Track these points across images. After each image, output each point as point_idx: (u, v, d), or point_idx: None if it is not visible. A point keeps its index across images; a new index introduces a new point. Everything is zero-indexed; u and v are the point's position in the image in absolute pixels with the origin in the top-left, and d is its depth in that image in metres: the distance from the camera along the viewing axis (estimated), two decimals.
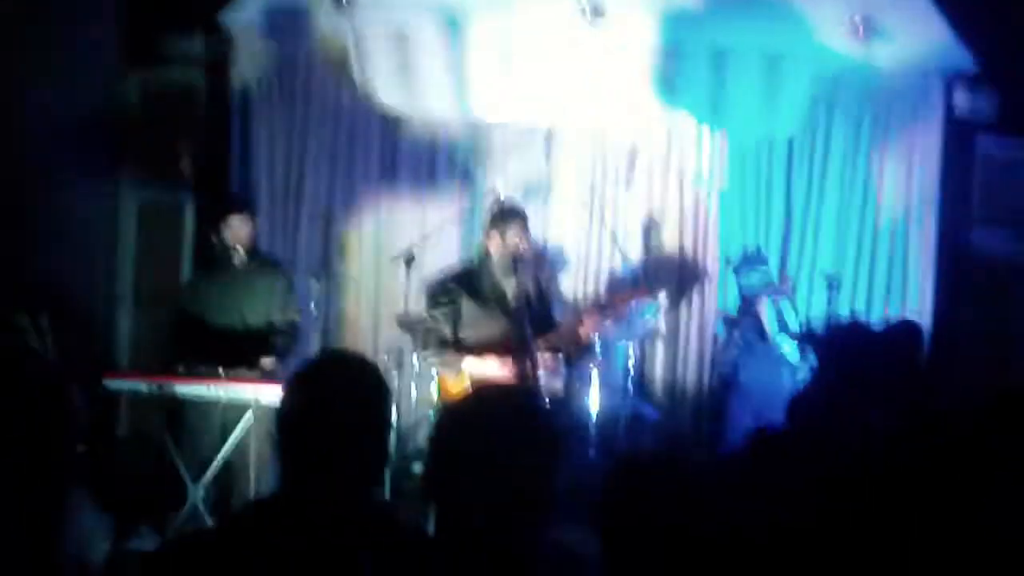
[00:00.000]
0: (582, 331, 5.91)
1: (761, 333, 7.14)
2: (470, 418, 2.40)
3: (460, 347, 5.77)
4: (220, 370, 6.02)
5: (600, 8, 7.43)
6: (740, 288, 7.52)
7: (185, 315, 6.52)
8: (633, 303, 6.64)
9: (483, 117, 8.20)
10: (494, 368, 5.66)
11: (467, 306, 5.79)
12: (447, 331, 5.78)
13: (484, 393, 2.60)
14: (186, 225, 7.96)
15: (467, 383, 5.63)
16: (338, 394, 2.41)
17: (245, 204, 6.88)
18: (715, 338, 8.05)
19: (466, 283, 5.87)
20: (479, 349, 5.74)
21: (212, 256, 6.64)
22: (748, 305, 7.31)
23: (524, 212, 6.12)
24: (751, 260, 7.56)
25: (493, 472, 2.27)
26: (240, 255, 6.43)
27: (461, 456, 2.31)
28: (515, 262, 5.76)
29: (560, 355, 5.99)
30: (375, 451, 2.45)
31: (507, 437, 2.31)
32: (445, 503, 2.33)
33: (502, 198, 7.56)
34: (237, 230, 6.43)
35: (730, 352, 7.35)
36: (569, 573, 3.44)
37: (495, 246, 5.85)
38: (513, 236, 5.80)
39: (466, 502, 2.28)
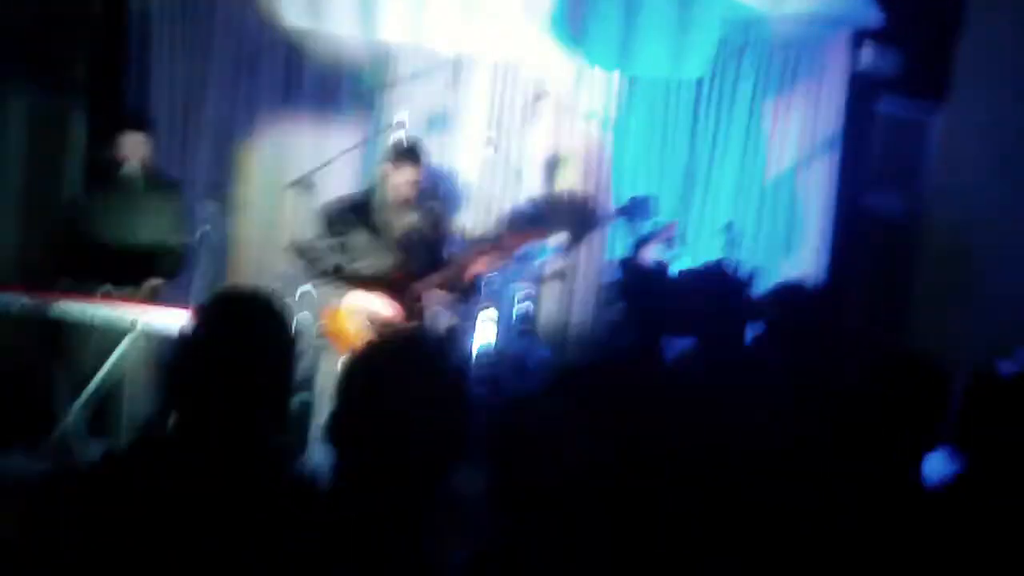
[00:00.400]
0: (471, 269, 5.95)
1: (650, 280, 7.24)
2: (379, 366, 2.42)
3: (348, 278, 5.82)
4: (105, 288, 6.01)
5: None
6: (631, 234, 7.71)
7: (71, 230, 6.45)
8: (527, 243, 6.68)
9: (389, 41, 8.16)
10: (379, 302, 5.74)
11: (358, 237, 5.84)
12: (336, 261, 5.84)
13: (393, 340, 2.71)
14: (77, 134, 7.76)
15: (352, 315, 5.72)
16: (241, 331, 2.42)
17: (140, 121, 6.75)
18: (608, 284, 8.17)
19: (359, 214, 5.91)
20: (367, 282, 5.80)
21: (103, 170, 6.54)
22: (639, 252, 7.44)
23: (420, 152, 6.17)
24: (638, 207, 7.71)
25: (400, 421, 2.30)
26: (133, 172, 6.38)
27: (369, 405, 2.33)
28: (408, 199, 5.86)
29: (450, 292, 6.03)
30: (275, 392, 2.46)
31: (416, 386, 2.35)
32: (350, 450, 2.35)
33: (403, 133, 7.55)
34: (131, 147, 6.39)
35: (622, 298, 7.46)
36: (455, 512, 3.51)
37: (390, 182, 5.90)
38: (408, 175, 5.88)
39: (372, 450, 2.31)
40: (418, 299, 5.78)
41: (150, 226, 6.46)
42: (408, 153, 6.07)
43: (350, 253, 5.85)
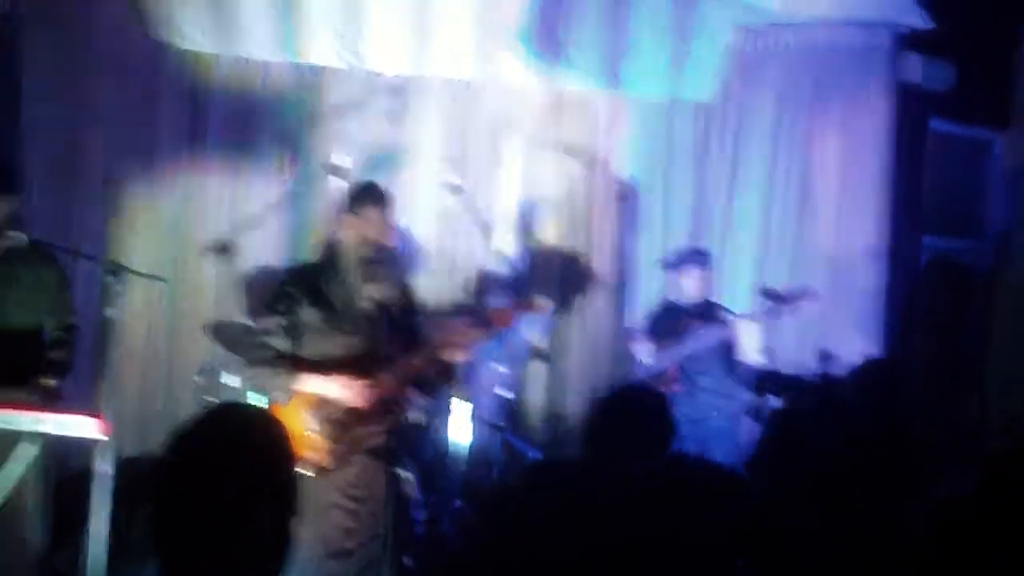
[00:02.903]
0: (449, 355, 5.89)
1: (707, 358, 7.44)
2: (200, 443, 2.62)
3: (298, 366, 5.75)
4: None
5: None
6: (673, 295, 7.84)
7: None
8: (516, 319, 6.67)
9: (317, 63, 8.40)
10: (340, 391, 5.68)
11: (309, 314, 5.79)
12: (282, 346, 5.77)
13: (217, 413, 2.78)
14: None
15: (304, 412, 5.66)
16: (235, 463, 2.57)
17: None
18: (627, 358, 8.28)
19: (308, 285, 5.85)
20: (321, 369, 5.73)
21: None
22: (682, 318, 7.56)
23: (388, 193, 6.14)
24: (692, 258, 7.77)
25: (224, 508, 2.51)
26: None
27: (189, 489, 2.54)
28: (374, 258, 5.83)
29: (419, 383, 6.07)
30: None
31: (241, 463, 2.57)
32: (171, 547, 2.54)
33: (341, 164, 7.77)
34: None
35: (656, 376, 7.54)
36: None
37: (349, 237, 5.87)
38: (374, 224, 5.86)
39: (194, 545, 2.52)
40: (386, 390, 5.71)
41: (24, 307, 6.49)
42: (370, 193, 6.05)
43: (298, 336, 5.77)
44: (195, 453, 2.59)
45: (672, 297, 7.86)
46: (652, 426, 4.33)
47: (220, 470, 2.55)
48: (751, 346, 7.38)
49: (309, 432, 5.63)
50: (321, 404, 5.69)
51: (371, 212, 5.89)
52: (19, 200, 6.53)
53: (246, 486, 2.55)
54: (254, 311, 6.87)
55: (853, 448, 4.88)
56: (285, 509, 2.62)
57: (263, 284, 7.97)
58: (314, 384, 5.69)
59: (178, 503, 2.54)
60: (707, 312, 7.53)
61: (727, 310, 7.68)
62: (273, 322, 5.80)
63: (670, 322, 7.63)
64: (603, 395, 5.26)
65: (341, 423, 5.69)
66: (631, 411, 4.42)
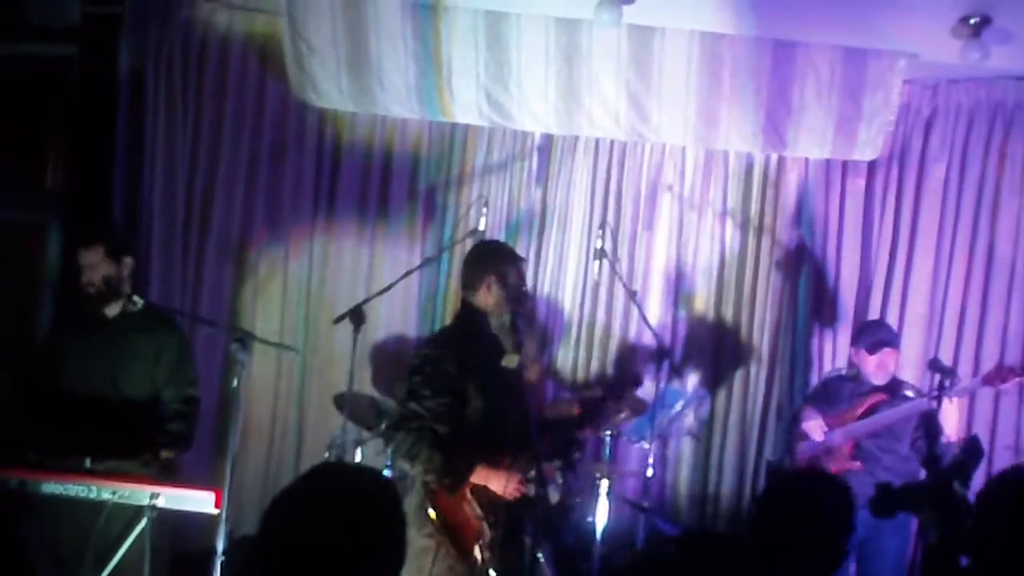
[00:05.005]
0: (586, 432, 5.84)
1: (892, 436, 7.28)
2: (304, 504, 2.70)
3: (463, 452, 5.59)
4: (87, 462, 6.29)
5: None
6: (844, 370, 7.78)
7: (39, 381, 6.65)
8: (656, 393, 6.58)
9: (459, 121, 8.53)
10: (501, 485, 5.60)
11: (474, 391, 5.65)
12: (442, 429, 5.58)
13: (318, 473, 2.85)
14: (50, 253, 8.17)
15: (469, 498, 5.58)
16: (337, 525, 2.63)
17: (102, 234, 6.78)
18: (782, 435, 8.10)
19: (466, 356, 5.68)
20: (485, 453, 5.62)
21: (75, 301, 6.75)
22: (859, 393, 7.39)
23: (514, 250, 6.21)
24: (891, 339, 7.54)
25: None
26: (114, 302, 6.61)
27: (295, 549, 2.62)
28: (515, 321, 5.71)
29: (561, 457, 6.02)
30: None
31: (346, 524, 2.65)
32: None
33: (479, 228, 7.71)
34: (91, 269, 6.54)
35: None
36: None
37: (490, 298, 5.80)
38: (514, 280, 5.80)
39: None
40: (529, 467, 5.57)
41: (141, 375, 6.66)
42: (502, 249, 6.13)
43: (462, 418, 5.61)
44: (292, 519, 2.66)
45: (845, 372, 7.75)
46: (830, 519, 4.18)
47: (318, 538, 2.60)
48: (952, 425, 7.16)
49: (478, 519, 5.60)
50: (481, 489, 5.63)
51: (507, 270, 5.83)
52: (131, 263, 6.71)
53: (347, 551, 2.61)
54: (382, 382, 6.93)
55: None
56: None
57: (392, 354, 8.19)
58: (482, 474, 5.62)
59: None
60: (893, 388, 7.41)
61: (911, 385, 7.56)
62: (435, 403, 5.63)
63: (847, 397, 7.52)
64: (780, 479, 5.12)
65: (497, 506, 5.63)
66: (809, 500, 4.20)
